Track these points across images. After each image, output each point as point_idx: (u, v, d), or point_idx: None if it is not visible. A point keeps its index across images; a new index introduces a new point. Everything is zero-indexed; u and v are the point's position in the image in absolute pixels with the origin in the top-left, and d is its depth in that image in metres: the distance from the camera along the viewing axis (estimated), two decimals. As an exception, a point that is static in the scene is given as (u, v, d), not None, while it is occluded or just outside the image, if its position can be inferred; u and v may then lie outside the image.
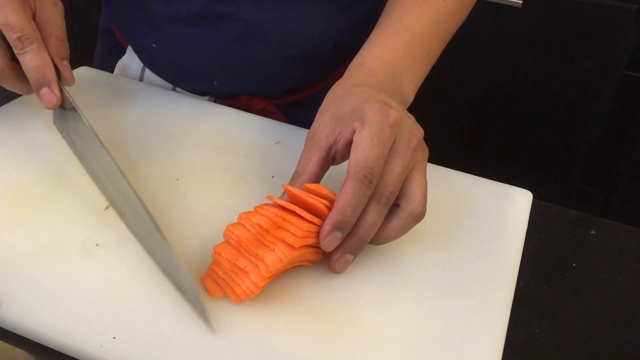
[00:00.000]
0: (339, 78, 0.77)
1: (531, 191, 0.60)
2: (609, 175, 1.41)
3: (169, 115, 0.66)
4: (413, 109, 0.59)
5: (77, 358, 0.42)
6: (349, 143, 0.47)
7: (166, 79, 0.73)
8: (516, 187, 0.60)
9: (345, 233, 0.45)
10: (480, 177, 0.61)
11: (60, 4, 0.59)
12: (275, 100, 0.74)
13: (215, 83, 0.69)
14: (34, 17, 0.56)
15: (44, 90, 0.55)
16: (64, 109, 0.59)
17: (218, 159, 0.60)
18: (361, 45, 0.78)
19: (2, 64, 0.55)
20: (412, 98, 0.56)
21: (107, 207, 0.53)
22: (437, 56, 0.60)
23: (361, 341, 0.44)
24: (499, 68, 1.31)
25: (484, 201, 0.58)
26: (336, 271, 0.48)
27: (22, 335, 0.43)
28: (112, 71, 0.78)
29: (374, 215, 0.46)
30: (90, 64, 0.78)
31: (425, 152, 0.49)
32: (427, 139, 0.58)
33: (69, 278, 0.46)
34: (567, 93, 1.34)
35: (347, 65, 0.77)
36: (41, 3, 0.57)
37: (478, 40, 1.28)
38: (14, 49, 0.53)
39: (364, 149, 0.45)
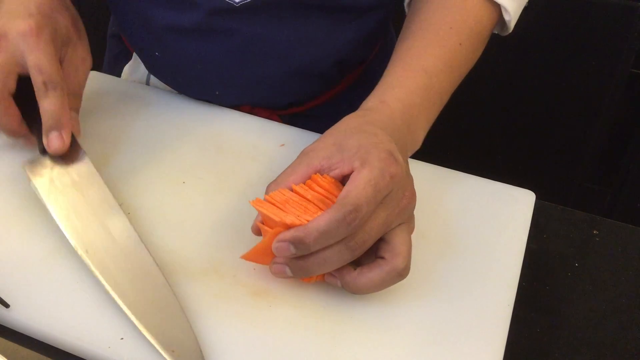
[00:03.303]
0: (341, 91, 0.77)
1: (538, 191, 0.60)
2: (617, 174, 1.41)
3: (174, 119, 0.67)
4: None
5: (85, 359, 0.43)
6: (343, 176, 0.47)
7: (169, 86, 0.74)
8: (519, 188, 0.60)
9: (300, 253, 0.44)
10: (482, 178, 0.61)
11: (89, 60, 0.60)
12: (277, 111, 0.74)
13: (217, 93, 0.69)
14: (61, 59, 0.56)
15: (54, 134, 0.54)
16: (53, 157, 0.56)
17: (223, 162, 0.61)
18: (364, 60, 0.77)
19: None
20: (421, 144, 0.55)
21: (114, 210, 0.54)
22: (447, 99, 0.59)
23: (364, 341, 0.45)
24: (502, 66, 1.31)
25: (486, 202, 0.59)
26: (271, 271, 0.46)
27: (32, 336, 0.44)
28: (119, 75, 0.79)
29: (332, 254, 0.44)
30: (99, 68, 0.79)
31: (412, 219, 0.48)
32: (429, 138, 0.58)
33: (78, 280, 0.47)
34: (574, 92, 1.33)
35: (350, 79, 0.77)
36: (70, 55, 0.57)
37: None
38: (36, 90, 0.53)
39: (357, 186, 0.44)
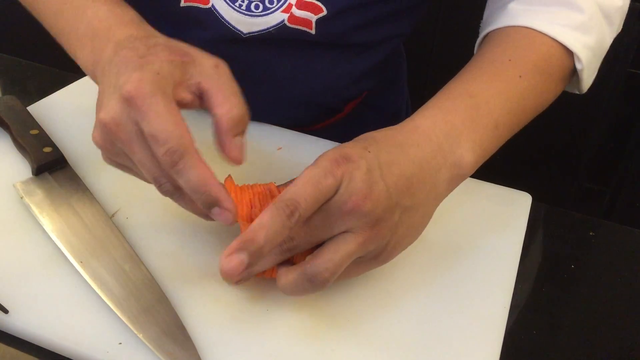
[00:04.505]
0: (344, 117, 0.76)
1: (537, 192, 0.60)
2: (615, 174, 1.41)
3: (173, 123, 0.67)
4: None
5: (84, 363, 0.44)
6: None
7: None
8: (515, 190, 0.61)
9: (252, 260, 0.41)
10: (478, 180, 0.61)
11: (221, 62, 0.48)
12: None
13: None
14: (199, 88, 0.46)
15: (216, 211, 0.44)
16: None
17: (220, 166, 0.61)
18: (369, 91, 0.77)
19: (169, 184, 0.45)
20: (471, 168, 0.50)
21: (113, 215, 0.54)
22: (510, 133, 0.54)
23: (360, 344, 0.45)
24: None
25: (483, 204, 0.59)
26: (223, 272, 0.42)
27: (30, 341, 0.45)
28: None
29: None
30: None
31: (368, 228, 0.42)
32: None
33: (76, 285, 0.47)
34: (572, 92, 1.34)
35: (353, 106, 0.76)
36: (200, 70, 0.46)
37: (482, 40, 1.27)
38: (164, 168, 0.43)
39: (296, 184, 0.42)
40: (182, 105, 0.45)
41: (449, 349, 0.45)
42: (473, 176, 0.61)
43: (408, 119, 0.50)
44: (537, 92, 0.55)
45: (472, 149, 0.49)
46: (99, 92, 0.47)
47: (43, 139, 0.60)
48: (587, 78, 0.59)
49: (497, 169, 0.82)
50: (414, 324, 0.47)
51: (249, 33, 0.62)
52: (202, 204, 0.43)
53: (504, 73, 0.53)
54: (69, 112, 0.67)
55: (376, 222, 0.43)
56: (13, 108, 0.63)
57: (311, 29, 0.62)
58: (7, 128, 0.62)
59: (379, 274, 0.50)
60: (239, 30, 0.62)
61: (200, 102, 0.47)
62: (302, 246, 0.43)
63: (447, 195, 0.49)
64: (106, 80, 0.46)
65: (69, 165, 0.58)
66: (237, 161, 0.47)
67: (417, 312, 0.48)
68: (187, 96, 0.46)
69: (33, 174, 0.57)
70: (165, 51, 0.46)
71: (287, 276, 0.43)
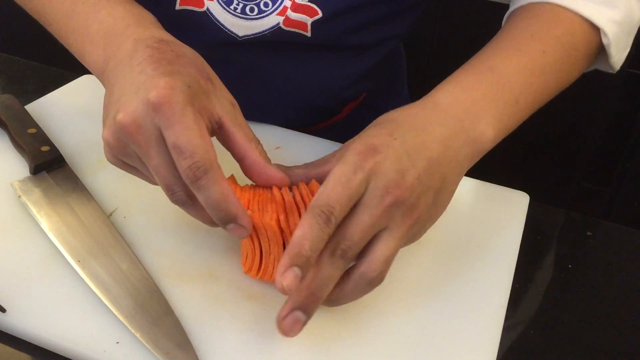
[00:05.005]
0: (342, 118, 0.76)
1: (536, 191, 0.60)
2: (613, 174, 1.41)
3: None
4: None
5: (81, 363, 0.44)
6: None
7: None
8: (512, 189, 0.61)
9: (304, 272, 0.40)
10: (476, 180, 0.61)
11: (237, 105, 0.49)
12: None
13: None
14: (218, 122, 0.46)
15: (231, 226, 0.43)
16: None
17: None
18: (368, 93, 0.76)
19: (182, 193, 0.44)
20: (491, 143, 0.50)
21: (110, 214, 0.54)
22: (530, 109, 0.53)
23: (359, 342, 0.45)
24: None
25: (480, 203, 0.59)
26: (284, 332, 0.41)
27: (28, 340, 0.45)
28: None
29: (327, 268, 0.42)
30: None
31: (407, 217, 0.43)
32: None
33: (74, 284, 0.47)
34: (570, 91, 1.34)
35: (351, 108, 0.76)
36: (220, 104, 0.46)
37: (481, 40, 1.27)
38: (184, 180, 0.42)
39: (326, 186, 0.42)
40: None
41: (446, 348, 0.45)
42: (471, 176, 0.62)
43: (427, 96, 0.50)
44: (561, 67, 0.54)
45: (492, 125, 0.49)
46: (112, 87, 0.46)
47: (41, 137, 0.60)
48: (616, 54, 0.57)
49: (495, 168, 0.82)
50: (412, 322, 0.47)
51: (245, 36, 0.62)
52: (218, 220, 0.43)
53: (526, 48, 0.53)
54: (66, 111, 0.67)
55: (414, 209, 0.43)
56: (11, 107, 0.63)
57: (307, 32, 0.62)
58: (4, 127, 0.62)
59: (376, 273, 0.50)
60: (235, 34, 0.62)
61: (216, 134, 0.47)
62: (359, 246, 0.43)
63: (467, 170, 0.50)
64: (123, 76, 0.45)
65: (67, 164, 0.58)
66: (285, 181, 0.47)
67: (415, 311, 0.48)
68: (207, 124, 0.45)
69: (31, 172, 0.57)
70: (193, 67, 0.46)
71: (345, 285, 0.43)
